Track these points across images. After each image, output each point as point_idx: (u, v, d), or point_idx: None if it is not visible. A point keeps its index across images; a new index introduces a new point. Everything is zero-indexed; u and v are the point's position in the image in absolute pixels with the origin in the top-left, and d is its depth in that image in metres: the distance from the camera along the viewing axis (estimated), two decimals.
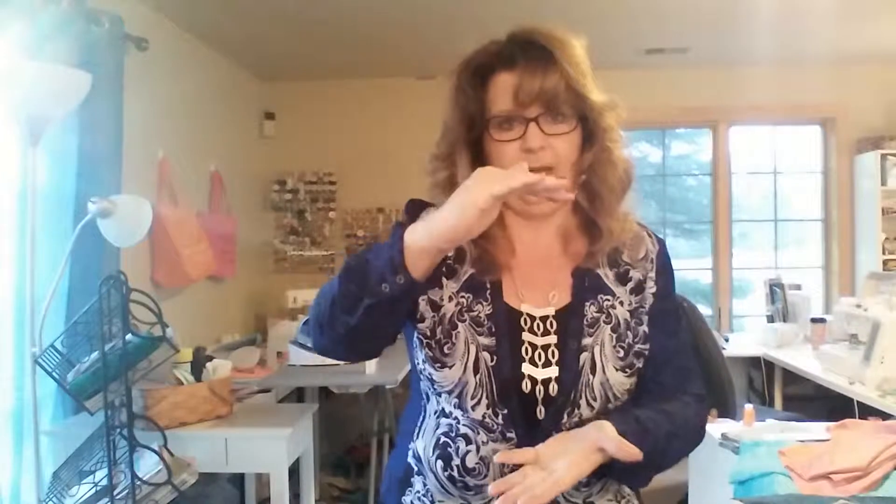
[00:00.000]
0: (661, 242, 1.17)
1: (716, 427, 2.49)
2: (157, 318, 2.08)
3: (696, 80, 4.78)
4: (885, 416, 2.60)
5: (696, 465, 2.72)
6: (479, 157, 1.07)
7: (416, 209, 1.11)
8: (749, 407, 2.56)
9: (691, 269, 5.15)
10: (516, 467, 1.02)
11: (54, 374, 2.12)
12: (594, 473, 1.04)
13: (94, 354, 2.08)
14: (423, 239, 0.93)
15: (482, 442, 1.05)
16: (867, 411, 2.76)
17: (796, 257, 5.16)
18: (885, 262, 4.60)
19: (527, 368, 1.04)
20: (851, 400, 2.98)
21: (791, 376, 3.90)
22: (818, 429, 2.40)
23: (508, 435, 1.04)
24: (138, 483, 2.03)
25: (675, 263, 1.17)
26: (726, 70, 4.71)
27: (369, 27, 3.87)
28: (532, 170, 0.97)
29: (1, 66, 2.04)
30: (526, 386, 1.04)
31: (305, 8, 3.53)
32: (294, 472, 2.71)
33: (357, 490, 4.01)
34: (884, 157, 4.55)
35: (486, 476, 1.04)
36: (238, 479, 3.32)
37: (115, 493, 2.03)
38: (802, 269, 5.04)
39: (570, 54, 1.03)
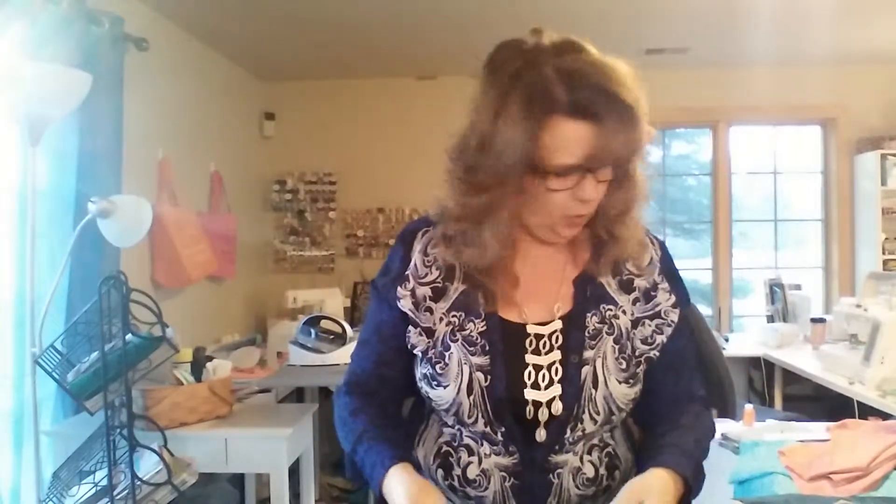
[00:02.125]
0: (662, 245, 1.14)
1: (716, 427, 2.48)
2: (157, 318, 2.08)
3: (696, 80, 4.78)
4: (885, 416, 2.60)
5: None
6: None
7: (409, 238, 1.10)
8: (749, 407, 2.56)
9: (691, 269, 5.15)
10: (518, 481, 1.01)
11: (54, 374, 2.12)
12: (601, 489, 1.04)
13: (94, 354, 2.07)
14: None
15: (485, 454, 1.03)
16: (867, 411, 2.76)
17: (796, 257, 5.16)
18: (885, 262, 4.60)
19: (530, 394, 1.01)
20: (851, 400, 2.98)
21: (791, 376, 3.90)
22: (818, 429, 2.40)
23: (511, 449, 1.02)
24: (138, 483, 2.03)
25: (675, 264, 1.15)
26: (726, 70, 4.71)
27: (369, 27, 3.87)
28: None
29: (1, 66, 2.04)
30: (529, 412, 1.00)
31: (305, 8, 3.53)
32: (294, 472, 2.71)
33: (357, 490, 4.01)
34: (884, 157, 4.55)
35: (486, 488, 1.02)
36: (238, 479, 3.32)
37: (115, 493, 2.03)
38: (802, 269, 5.04)
39: (642, 105, 0.95)
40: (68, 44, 2.54)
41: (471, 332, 1.02)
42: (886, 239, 4.62)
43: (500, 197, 0.95)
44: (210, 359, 2.65)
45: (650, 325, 1.06)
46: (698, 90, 4.82)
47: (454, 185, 0.99)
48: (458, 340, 1.02)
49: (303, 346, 3.43)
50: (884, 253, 4.61)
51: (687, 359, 1.10)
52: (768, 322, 4.40)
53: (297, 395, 3.98)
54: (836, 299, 4.30)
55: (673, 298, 1.08)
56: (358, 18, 3.72)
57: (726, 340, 4.35)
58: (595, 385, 1.01)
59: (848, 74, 4.71)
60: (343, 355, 3.32)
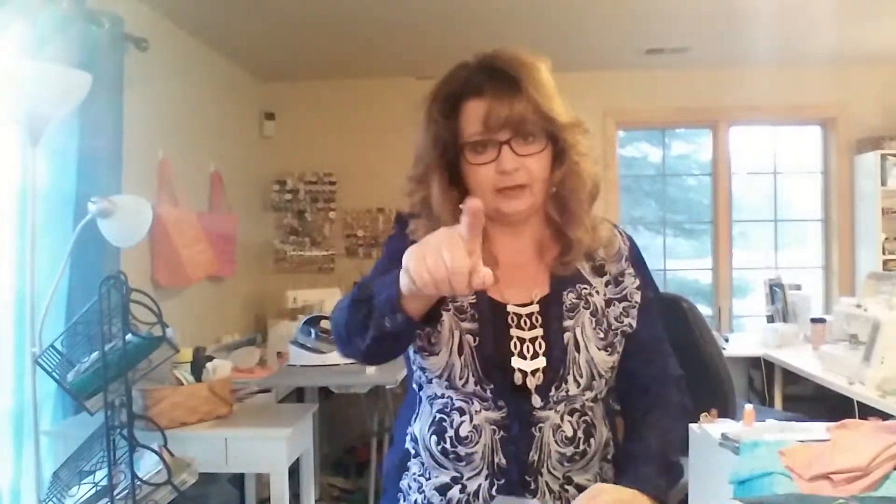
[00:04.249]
0: (631, 240, 1.26)
1: (716, 427, 2.49)
2: (157, 318, 2.08)
3: (696, 80, 4.78)
4: (885, 416, 2.60)
5: (696, 465, 2.72)
6: (456, 178, 1.14)
7: (404, 222, 1.20)
8: (749, 407, 2.54)
9: (691, 269, 5.14)
10: (506, 433, 1.11)
11: (54, 374, 2.12)
12: (578, 452, 1.13)
13: (94, 354, 2.07)
14: (405, 288, 0.92)
15: (475, 411, 1.13)
16: (867, 411, 2.76)
17: (796, 257, 5.16)
18: (885, 262, 4.60)
19: (516, 362, 1.12)
20: (851, 400, 2.98)
21: (791, 376, 3.90)
22: (818, 429, 2.39)
23: (500, 403, 1.12)
24: (138, 483, 2.03)
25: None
26: (726, 70, 4.71)
27: (369, 27, 3.87)
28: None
29: (1, 66, 2.04)
30: (517, 379, 1.11)
31: (305, 8, 3.53)
32: (294, 472, 2.71)
33: (357, 490, 4.01)
34: (884, 157, 4.55)
35: (477, 443, 1.12)
36: (238, 479, 3.32)
37: (115, 493, 2.03)
38: (802, 269, 5.03)
39: (536, 78, 1.08)
40: (68, 44, 2.54)
41: (461, 303, 1.13)
42: (886, 239, 4.62)
43: (430, 179, 1.13)
44: (210, 359, 2.65)
45: (620, 306, 1.18)
46: (698, 90, 4.82)
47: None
48: (450, 311, 1.13)
49: (303, 346, 3.43)
50: (884, 253, 4.61)
51: (658, 344, 1.22)
52: (768, 322, 4.40)
53: (297, 395, 3.98)
54: (836, 299, 4.30)
55: (637, 282, 1.21)
56: (358, 18, 3.72)
57: (726, 340, 4.35)
58: (577, 349, 1.13)
59: (848, 74, 4.71)
60: None
